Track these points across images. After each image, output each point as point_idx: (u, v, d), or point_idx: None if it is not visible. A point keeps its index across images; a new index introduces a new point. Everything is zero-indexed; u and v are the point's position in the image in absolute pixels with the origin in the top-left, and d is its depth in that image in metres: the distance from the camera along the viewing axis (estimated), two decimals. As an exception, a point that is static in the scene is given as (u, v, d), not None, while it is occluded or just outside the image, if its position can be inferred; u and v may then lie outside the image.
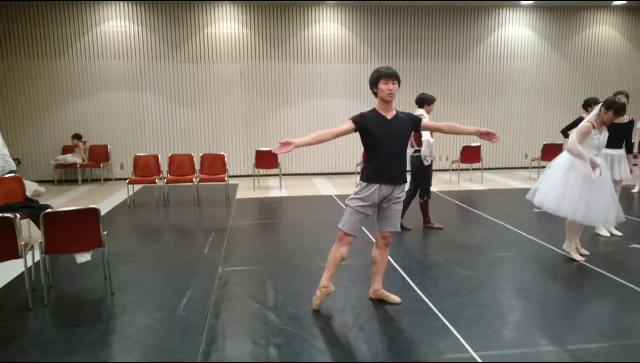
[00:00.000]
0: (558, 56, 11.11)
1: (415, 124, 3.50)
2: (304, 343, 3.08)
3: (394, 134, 3.38)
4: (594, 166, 4.29)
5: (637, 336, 3.17)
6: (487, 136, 3.53)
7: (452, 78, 10.77)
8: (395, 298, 3.67)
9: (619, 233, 5.49)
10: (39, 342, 3.19)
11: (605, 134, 4.51)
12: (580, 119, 6.70)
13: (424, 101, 5.63)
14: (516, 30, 10.88)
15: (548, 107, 11.20)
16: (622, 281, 4.11)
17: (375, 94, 3.41)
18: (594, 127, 4.42)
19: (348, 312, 3.55)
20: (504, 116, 11.15)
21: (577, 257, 4.68)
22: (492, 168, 11.10)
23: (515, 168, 11.28)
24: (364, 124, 3.35)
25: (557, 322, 3.40)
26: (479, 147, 9.37)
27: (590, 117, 4.54)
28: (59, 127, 9.77)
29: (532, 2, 10.37)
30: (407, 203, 5.78)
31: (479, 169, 9.89)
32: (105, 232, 3.90)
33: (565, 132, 7.03)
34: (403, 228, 5.72)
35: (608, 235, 5.49)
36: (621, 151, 5.45)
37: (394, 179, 3.41)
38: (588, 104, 6.21)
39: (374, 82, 3.38)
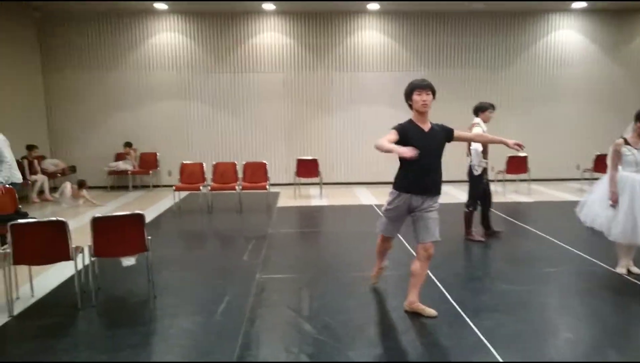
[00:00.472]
0: (612, 62, 10.61)
1: (448, 135, 3.51)
2: (337, 353, 3.09)
3: (431, 146, 3.39)
4: (614, 197, 4.27)
5: (692, 361, 2.97)
6: (515, 146, 3.57)
7: (500, 86, 10.51)
8: (431, 312, 3.61)
9: None
10: (87, 339, 3.38)
11: None
12: None
13: (478, 109, 5.70)
14: (567, 36, 10.49)
15: (601, 116, 10.69)
16: (678, 302, 3.86)
17: (411, 106, 3.44)
18: (626, 142, 4.26)
19: (383, 324, 3.53)
20: (554, 125, 10.74)
21: (619, 270, 4.54)
22: (540, 179, 10.69)
23: (565, 179, 10.81)
24: (405, 135, 3.37)
25: (601, 341, 3.24)
26: (525, 157, 9.07)
27: (625, 132, 4.38)
28: (112, 135, 10.27)
29: (583, 5, 9.96)
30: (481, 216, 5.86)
31: (525, 180, 9.56)
32: (150, 237, 4.07)
33: None
34: (494, 233, 5.83)
35: None
36: None
37: (427, 191, 3.40)
38: None
39: (408, 95, 3.44)
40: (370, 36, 10.29)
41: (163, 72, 10.19)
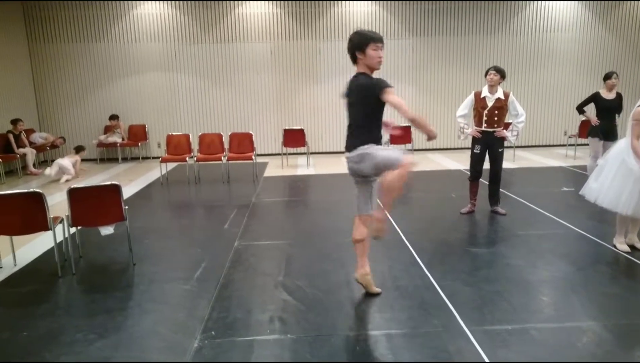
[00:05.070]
0: (602, 27, 10.50)
1: None
2: (300, 315, 3.24)
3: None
4: None
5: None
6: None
7: (488, 52, 10.43)
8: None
9: None
10: (64, 305, 3.52)
11: None
12: (596, 95, 6.37)
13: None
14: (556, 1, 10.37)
15: (591, 81, 10.65)
16: None
17: (356, 59, 3.17)
18: None
19: (349, 288, 3.67)
20: (542, 91, 10.73)
21: (623, 247, 4.26)
22: (528, 146, 10.76)
23: (554, 145, 10.87)
24: None
25: (559, 300, 3.38)
26: (508, 124, 9.07)
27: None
28: (100, 107, 10.28)
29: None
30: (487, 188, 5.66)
31: (511, 147, 9.62)
32: (127, 207, 4.18)
33: (580, 109, 6.70)
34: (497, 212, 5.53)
35: None
36: None
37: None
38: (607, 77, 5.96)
39: (359, 47, 3.10)
40: (358, 4, 10.15)
41: (149, 43, 10.10)
